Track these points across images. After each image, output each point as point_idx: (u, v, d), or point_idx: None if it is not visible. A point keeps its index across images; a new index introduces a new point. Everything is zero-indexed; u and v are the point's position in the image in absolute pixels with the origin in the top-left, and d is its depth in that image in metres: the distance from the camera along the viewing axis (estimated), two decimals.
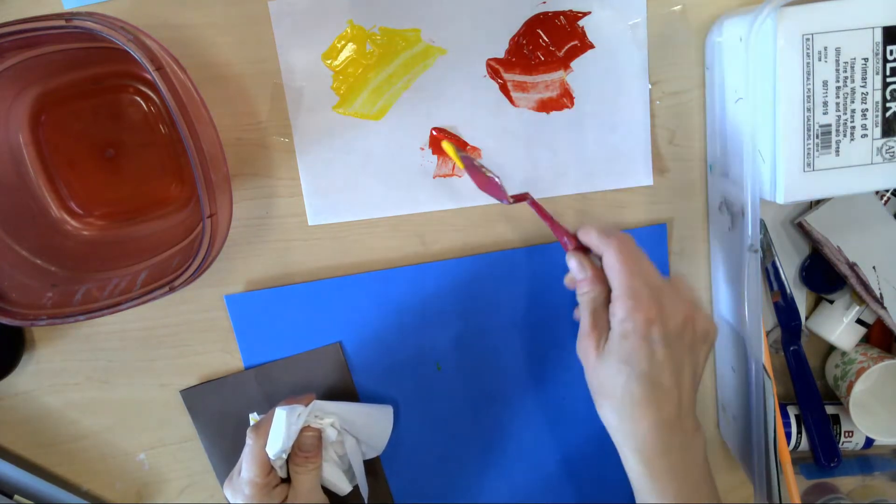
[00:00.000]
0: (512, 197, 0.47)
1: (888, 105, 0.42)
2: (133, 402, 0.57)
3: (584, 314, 0.43)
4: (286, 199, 0.53)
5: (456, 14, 0.49)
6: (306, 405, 0.48)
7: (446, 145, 0.50)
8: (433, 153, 0.52)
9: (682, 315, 0.40)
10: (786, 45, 0.40)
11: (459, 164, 0.50)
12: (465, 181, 0.52)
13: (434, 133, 0.51)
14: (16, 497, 0.57)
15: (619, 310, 0.40)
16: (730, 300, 0.51)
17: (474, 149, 0.52)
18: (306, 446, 0.48)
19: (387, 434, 0.54)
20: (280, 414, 0.46)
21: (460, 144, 0.52)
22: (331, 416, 0.50)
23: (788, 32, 0.40)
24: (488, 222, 0.53)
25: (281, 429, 0.46)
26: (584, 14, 0.49)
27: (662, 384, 0.40)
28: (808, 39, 0.40)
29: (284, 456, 0.47)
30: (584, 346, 0.42)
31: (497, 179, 0.46)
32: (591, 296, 0.43)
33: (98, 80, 0.50)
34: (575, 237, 0.45)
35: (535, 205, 0.47)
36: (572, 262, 0.44)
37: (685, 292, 0.42)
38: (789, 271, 0.55)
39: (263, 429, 0.47)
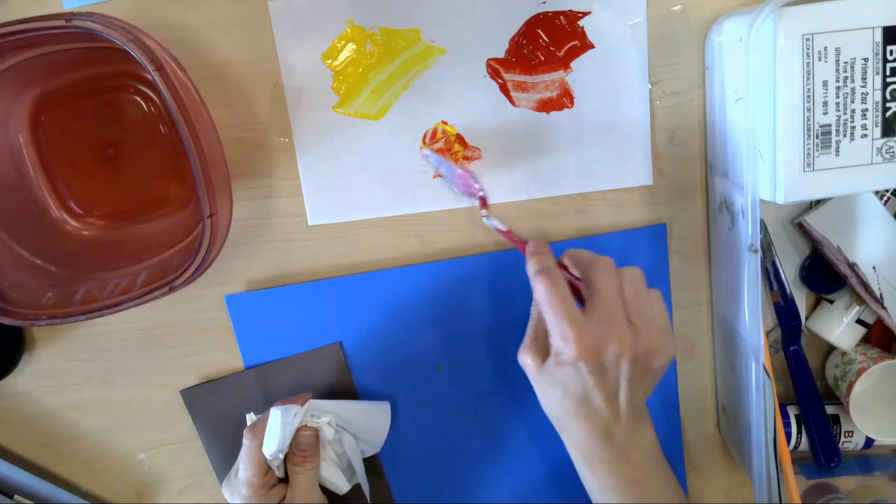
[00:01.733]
0: (482, 198, 0.50)
1: (888, 105, 0.42)
2: (133, 402, 0.57)
3: (530, 324, 0.45)
4: (286, 199, 0.53)
5: (456, 14, 0.49)
6: (302, 405, 0.48)
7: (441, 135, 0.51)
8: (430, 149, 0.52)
9: (614, 349, 0.41)
10: (786, 45, 0.40)
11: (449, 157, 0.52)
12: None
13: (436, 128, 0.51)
14: (16, 497, 0.57)
15: (553, 342, 0.42)
16: (730, 300, 0.51)
17: (474, 148, 0.52)
18: (303, 446, 0.48)
19: (385, 431, 0.54)
20: (275, 414, 0.46)
21: (461, 142, 0.52)
22: (327, 414, 0.50)
23: (788, 32, 0.40)
24: None
25: (276, 429, 0.46)
26: (584, 14, 0.49)
27: (594, 404, 0.42)
28: (808, 39, 0.40)
29: (281, 456, 0.47)
30: (524, 355, 0.44)
31: (469, 173, 0.50)
32: (537, 313, 0.45)
33: (98, 80, 0.50)
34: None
35: (500, 230, 0.49)
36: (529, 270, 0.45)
37: (616, 324, 0.41)
38: (789, 271, 0.55)
39: (260, 429, 0.47)
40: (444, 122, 0.51)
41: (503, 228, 0.49)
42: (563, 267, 0.45)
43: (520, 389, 0.56)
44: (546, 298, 0.42)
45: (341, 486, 0.51)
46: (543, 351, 0.43)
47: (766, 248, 0.53)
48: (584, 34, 0.50)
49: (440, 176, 0.52)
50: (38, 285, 0.49)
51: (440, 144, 0.51)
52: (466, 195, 0.51)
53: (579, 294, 0.44)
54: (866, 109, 0.42)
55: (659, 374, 0.43)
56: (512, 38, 0.50)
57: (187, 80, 0.45)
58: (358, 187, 0.52)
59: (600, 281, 0.42)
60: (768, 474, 0.47)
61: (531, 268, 0.44)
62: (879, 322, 0.55)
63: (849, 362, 0.55)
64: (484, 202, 0.51)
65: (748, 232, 0.43)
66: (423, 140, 0.52)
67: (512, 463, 0.57)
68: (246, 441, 0.47)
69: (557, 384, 0.42)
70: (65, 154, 0.51)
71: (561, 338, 0.41)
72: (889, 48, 0.41)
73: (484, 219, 0.50)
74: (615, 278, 0.42)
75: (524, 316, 0.54)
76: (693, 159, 0.52)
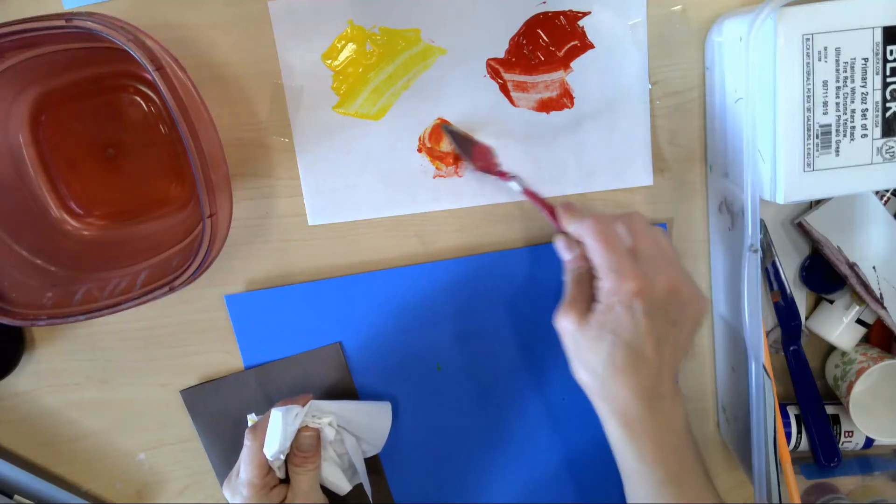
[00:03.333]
0: (501, 171, 0.50)
1: (888, 105, 0.42)
2: (133, 402, 0.57)
3: (568, 285, 0.45)
4: (286, 199, 0.53)
5: (456, 14, 0.49)
6: (303, 405, 0.48)
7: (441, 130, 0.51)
8: (429, 153, 0.52)
9: (663, 286, 0.41)
10: (786, 45, 0.40)
11: (449, 142, 0.51)
12: (465, 181, 0.52)
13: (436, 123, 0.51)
14: (16, 497, 0.57)
15: (605, 283, 0.41)
16: (730, 300, 0.51)
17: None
18: (304, 446, 0.48)
19: (385, 431, 0.54)
20: (276, 415, 0.46)
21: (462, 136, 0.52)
22: (328, 415, 0.50)
23: (788, 32, 0.40)
24: (488, 222, 0.53)
25: (277, 430, 0.46)
26: (584, 14, 0.49)
27: (644, 354, 0.41)
28: (808, 39, 0.40)
29: (282, 457, 0.47)
30: (566, 314, 0.43)
31: (489, 147, 0.50)
32: (577, 271, 0.45)
33: (98, 80, 0.50)
34: None
35: (527, 192, 0.49)
36: (559, 243, 0.47)
37: (666, 264, 0.42)
38: (789, 271, 0.55)
39: (261, 430, 0.47)
40: (443, 120, 0.51)
41: (532, 190, 0.49)
42: None
43: (520, 390, 0.56)
44: (600, 234, 0.42)
45: (342, 486, 0.51)
46: (585, 309, 0.43)
47: (766, 248, 0.53)
48: (584, 34, 0.50)
49: (441, 176, 0.52)
50: (38, 285, 0.49)
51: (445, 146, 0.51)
52: (482, 170, 0.51)
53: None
54: (866, 109, 0.42)
55: (695, 328, 0.43)
56: (512, 38, 0.50)
57: (187, 80, 0.45)
58: (358, 187, 0.52)
59: (638, 229, 0.43)
60: (768, 474, 0.47)
61: (570, 217, 0.45)
62: (879, 322, 0.55)
63: (849, 362, 0.55)
64: (504, 174, 0.50)
65: (748, 232, 0.43)
66: (421, 140, 0.52)
67: (512, 463, 0.57)
68: (247, 442, 0.47)
69: (607, 334, 0.41)
70: (65, 154, 0.51)
71: (617, 272, 0.40)
72: (889, 48, 0.41)
73: (511, 182, 0.50)
74: (651, 226, 0.44)
75: (525, 316, 0.55)
76: (693, 159, 0.52)
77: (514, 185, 0.50)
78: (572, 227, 0.45)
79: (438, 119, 0.51)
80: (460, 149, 0.51)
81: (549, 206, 0.48)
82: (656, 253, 0.42)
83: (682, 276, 0.43)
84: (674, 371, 0.42)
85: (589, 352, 0.42)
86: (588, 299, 0.43)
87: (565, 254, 0.47)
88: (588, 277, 0.44)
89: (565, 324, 0.43)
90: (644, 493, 0.42)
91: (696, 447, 0.44)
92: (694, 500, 0.42)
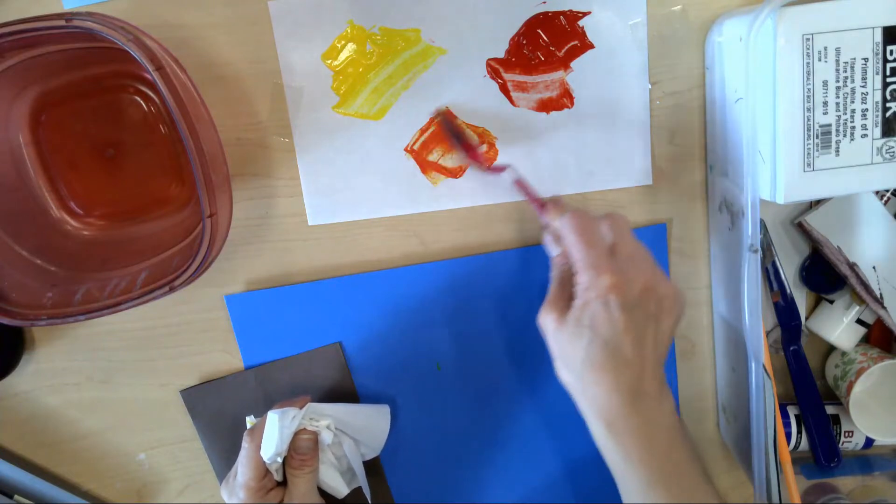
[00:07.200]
0: (490, 166, 0.50)
1: (888, 105, 0.42)
2: (133, 402, 0.57)
3: (552, 283, 0.45)
4: (286, 199, 0.53)
5: (456, 14, 0.49)
6: (301, 408, 0.48)
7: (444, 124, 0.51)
8: (415, 156, 0.52)
9: (640, 283, 0.40)
10: (786, 45, 0.40)
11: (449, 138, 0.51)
12: (465, 181, 0.52)
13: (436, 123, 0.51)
14: (16, 497, 0.57)
15: (581, 278, 0.41)
16: (730, 300, 0.51)
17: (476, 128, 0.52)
18: (302, 449, 0.48)
19: (384, 434, 0.54)
20: (272, 418, 0.46)
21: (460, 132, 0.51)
22: (326, 418, 0.49)
23: (788, 32, 0.40)
24: (487, 222, 0.53)
25: (274, 432, 0.46)
26: (584, 14, 0.49)
27: (622, 351, 0.40)
28: (808, 39, 0.40)
29: (280, 459, 0.47)
30: (547, 312, 0.43)
31: (476, 143, 0.50)
32: (561, 268, 0.45)
33: (98, 80, 0.50)
34: None
35: (518, 183, 0.49)
36: (546, 238, 0.47)
37: (643, 262, 0.41)
38: (789, 271, 0.55)
39: (259, 432, 0.47)
40: (450, 112, 0.51)
41: (524, 181, 0.48)
42: None
43: (520, 390, 0.56)
44: (579, 229, 0.41)
45: (340, 489, 0.51)
46: (566, 307, 0.42)
47: (766, 248, 0.53)
48: (584, 34, 0.50)
49: (439, 173, 0.52)
50: (38, 285, 0.49)
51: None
52: (472, 160, 0.51)
53: None
54: (866, 109, 0.42)
55: (675, 324, 0.42)
56: (512, 38, 0.50)
57: (187, 80, 0.45)
58: (358, 187, 0.52)
59: (617, 227, 0.42)
60: (768, 474, 0.47)
61: (555, 211, 0.44)
62: (879, 322, 0.55)
63: (849, 362, 0.55)
64: (497, 168, 0.50)
65: (748, 232, 0.43)
66: (420, 137, 0.52)
67: (512, 463, 0.57)
68: (245, 444, 0.47)
69: (584, 330, 0.40)
70: (65, 154, 0.51)
71: (593, 267, 0.40)
72: (889, 48, 0.41)
73: (503, 173, 0.49)
74: (630, 229, 0.43)
75: (524, 316, 0.55)
76: (693, 159, 0.52)
77: (506, 175, 0.49)
78: (556, 222, 0.44)
79: (446, 108, 0.51)
80: (454, 140, 0.51)
81: (538, 200, 0.47)
82: (634, 251, 0.42)
83: (660, 273, 0.42)
84: (657, 368, 0.41)
85: (569, 349, 0.41)
86: (570, 297, 0.42)
87: (552, 249, 0.46)
88: (570, 275, 0.43)
89: (547, 322, 0.43)
90: (634, 494, 0.41)
91: (688, 445, 0.42)
92: (686, 500, 0.40)
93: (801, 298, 0.56)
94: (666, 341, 0.42)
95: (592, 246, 0.41)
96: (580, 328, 0.40)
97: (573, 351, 0.41)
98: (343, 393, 0.55)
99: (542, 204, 0.47)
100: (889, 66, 0.41)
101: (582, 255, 0.41)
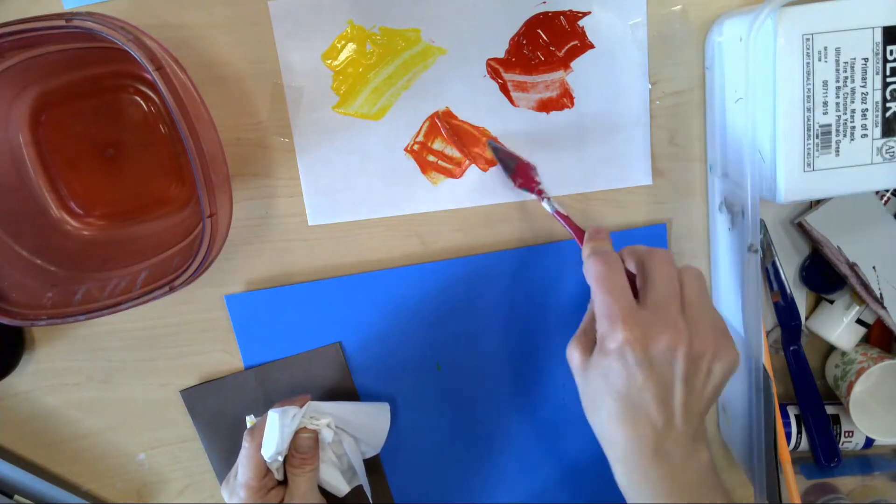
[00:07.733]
0: (540, 190, 0.49)
1: (888, 105, 0.42)
2: (133, 402, 0.57)
3: (586, 315, 0.43)
4: (286, 199, 0.53)
5: (456, 14, 0.49)
6: (301, 407, 0.48)
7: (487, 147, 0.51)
8: (415, 156, 0.52)
9: (666, 340, 0.37)
10: (786, 45, 0.40)
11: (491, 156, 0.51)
12: (465, 181, 0.52)
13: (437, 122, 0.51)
14: (16, 497, 0.57)
15: (598, 327, 0.39)
16: (730, 300, 0.51)
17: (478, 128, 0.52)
18: (302, 448, 0.48)
19: (384, 432, 0.54)
20: (273, 417, 0.46)
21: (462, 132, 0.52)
22: (327, 416, 0.50)
23: (788, 32, 0.40)
24: (488, 222, 0.53)
25: (274, 431, 0.46)
26: (584, 14, 0.49)
27: (643, 407, 0.38)
28: (808, 39, 0.40)
29: (280, 458, 0.47)
30: (574, 347, 0.42)
31: (532, 165, 0.50)
32: (592, 306, 0.43)
33: (98, 80, 0.50)
34: None
35: (559, 213, 0.48)
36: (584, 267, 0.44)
37: (671, 314, 0.38)
38: (789, 271, 0.55)
39: (259, 432, 0.47)
40: (490, 135, 0.51)
41: (563, 212, 0.48)
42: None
43: (521, 390, 0.56)
44: (597, 277, 0.39)
45: (341, 488, 0.51)
46: (591, 347, 0.40)
47: (766, 248, 0.53)
48: (584, 34, 0.50)
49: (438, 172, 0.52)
50: (38, 285, 0.49)
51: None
52: (522, 188, 0.50)
53: (635, 289, 0.41)
54: (866, 109, 0.42)
55: (721, 383, 0.39)
56: (512, 38, 0.50)
57: (187, 80, 0.45)
58: (358, 187, 0.52)
59: (657, 269, 0.40)
60: (768, 474, 0.47)
61: (586, 249, 0.42)
62: (879, 322, 0.55)
63: (849, 362, 0.55)
64: (541, 193, 0.50)
65: (748, 232, 0.43)
66: (418, 136, 0.52)
67: (513, 463, 0.57)
68: (245, 443, 0.47)
69: (600, 379, 0.38)
70: (65, 154, 0.51)
71: (608, 318, 0.38)
72: (889, 48, 0.41)
73: (544, 202, 0.49)
74: (674, 269, 0.40)
75: (525, 316, 0.55)
76: (693, 159, 0.52)
77: (546, 205, 0.49)
78: (585, 254, 0.43)
79: (485, 137, 0.51)
80: (503, 165, 0.51)
81: (579, 231, 0.47)
82: (669, 298, 0.39)
83: (693, 332, 0.38)
84: (687, 425, 0.38)
85: (590, 391, 0.40)
86: (594, 338, 0.41)
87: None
88: None
89: (572, 357, 0.41)
90: None
91: (719, 497, 0.39)
92: None
93: (801, 298, 0.56)
94: (707, 402, 0.39)
95: (610, 294, 0.39)
96: (599, 377, 0.39)
97: (594, 395, 0.40)
98: (343, 393, 0.55)
99: (583, 235, 0.45)
100: (889, 66, 0.41)
101: (599, 303, 0.39)
